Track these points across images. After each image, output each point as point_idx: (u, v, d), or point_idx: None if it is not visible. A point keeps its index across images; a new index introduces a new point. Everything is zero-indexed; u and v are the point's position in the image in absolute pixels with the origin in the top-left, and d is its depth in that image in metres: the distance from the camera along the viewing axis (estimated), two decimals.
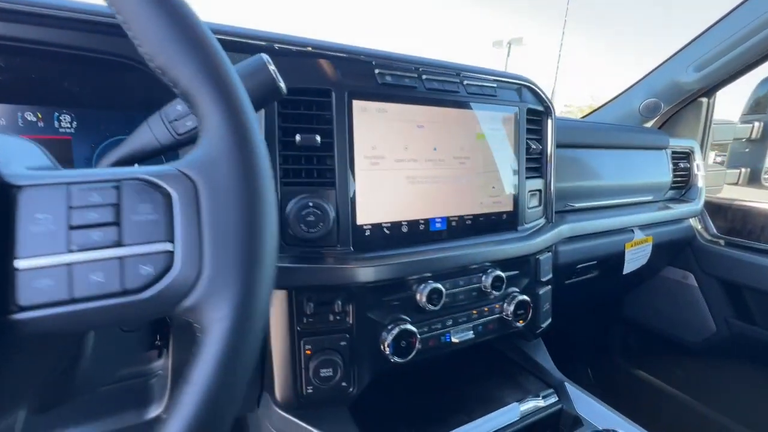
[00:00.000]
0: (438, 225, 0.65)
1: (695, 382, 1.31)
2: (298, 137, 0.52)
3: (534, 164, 0.78)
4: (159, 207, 0.23)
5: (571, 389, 0.70)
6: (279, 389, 0.55)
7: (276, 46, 0.53)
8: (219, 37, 0.52)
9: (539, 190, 0.79)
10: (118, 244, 0.22)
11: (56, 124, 0.52)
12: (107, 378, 0.47)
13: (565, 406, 0.68)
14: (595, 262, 0.96)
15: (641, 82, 1.27)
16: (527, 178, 0.76)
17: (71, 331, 0.23)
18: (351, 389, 0.56)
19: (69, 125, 0.52)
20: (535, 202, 0.78)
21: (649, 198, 1.10)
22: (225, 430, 0.24)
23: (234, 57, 0.43)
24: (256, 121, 0.27)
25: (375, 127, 0.58)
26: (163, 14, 0.24)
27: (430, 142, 0.64)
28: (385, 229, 0.60)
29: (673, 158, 1.15)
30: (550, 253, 0.78)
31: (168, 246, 0.23)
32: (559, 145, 0.94)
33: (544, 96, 0.77)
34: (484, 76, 0.68)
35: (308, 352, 0.54)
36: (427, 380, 0.74)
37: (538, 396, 0.69)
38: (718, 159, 1.56)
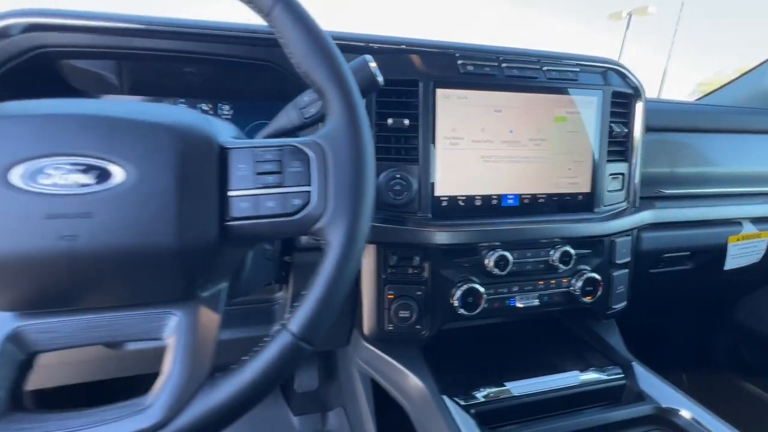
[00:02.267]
0: (510, 201, 0.72)
1: None
2: (389, 120, 0.64)
3: (618, 147, 0.78)
4: (304, 163, 0.37)
5: (639, 369, 0.71)
6: (367, 324, 0.69)
7: (375, 45, 0.65)
8: (337, 42, 0.66)
9: (622, 174, 0.79)
10: (281, 185, 0.36)
11: (220, 111, 0.72)
12: (251, 291, 0.65)
13: (628, 383, 0.70)
14: (687, 253, 0.91)
15: None
16: (609, 161, 0.77)
17: (256, 235, 0.38)
18: (423, 332, 0.68)
19: (228, 113, 0.72)
20: (616, 185, 0.79)
21: None
22: (337, 308, 0.37)
23: (346, 56, 0.56)
24: (363, 108, 0.39)
25: (455, 112, 0.67)
26: (308, 39, 0.37)
27: (507, 124, 0.70)
28: (460, 201, 0.69)
29: None
30: (629, 237, 0.78)
31: (308, 188, 0.37)
32: (655, 129, 0.91)
33: (633, 78, 0.76)
34: (565, 61, 0.72)
35: (390, 296, 0.67)
36: (495, 344, 0.81)
37: (602, 370, 0.72)
38: None
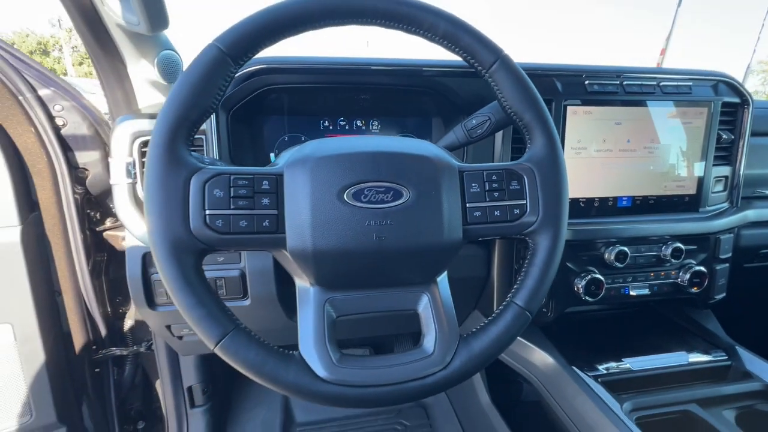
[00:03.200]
0: (624, 202, 0.82)
1: None
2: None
3: (723, 152, 0.85)
4: (519, 182, 0.49)
5: (742, 352, 0.80)
6: (497, 307, 0.82)
7: None
8: None
9: (726, 177, 0.86)
10: (504, 199, 0.49)
11: (371, 126, 0.85)
12: None
13: (734, 363, 0.79)
14: None
15: None
16: (714, 165, 0.84)
17: (484, 235, 0.51)
18: (549, 314, 0.80)
19: (377, 127, 0.85)
20: (719, 187, 0.86)
21: None
22: (544, 297, 0.49)
23: None
24: (559, 140, 0.51)
25: (581, 125, 0.77)
26: (520, 88, 0.49)
27: (625, 135, 0.79)
28: (581, 203, 0.80)
29: None
30: (731, 235, 0.86)
31: (524, 201, 0.49)
32: (753, 134, 0.96)
33: (742, 89, 0.83)
34: (679, 76, 0.79)
35: None
36: (601, 328, 0.92)
37: (706, 352, 0.81)
38: None
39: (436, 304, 0.49)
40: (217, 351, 0.41)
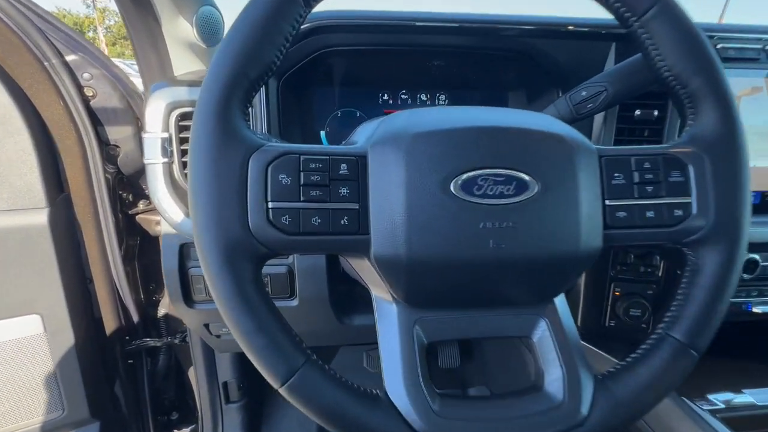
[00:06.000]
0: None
1: None
2: (637, 112, 0.61)
3: None
4: (683, 172, 0.36)
5: None
6: (582, 320, 0.69)
7: None
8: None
9: None
10: (660, 195, 0.36)
11: (437, 101, 0.72)
12: None
13: None
14: None
15: None
16: None
17: (629, 244, 0.38)
18: (648, 329, 0.66)
19: (444, 102, 0.72)
20: None
21: None
22: (714, 331, 0.36)
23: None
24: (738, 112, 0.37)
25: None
26: (689, 42, 0.35)
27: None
28: None
29: None
30: None
31: (689, 199, 0.36)
32: None
33: None
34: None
35: (617, 293, 0.66)
36: (714, 352, 0.78)
37: None
38: None
39: (558, 332, 0.37)
40: (284, 392, 0.31)
